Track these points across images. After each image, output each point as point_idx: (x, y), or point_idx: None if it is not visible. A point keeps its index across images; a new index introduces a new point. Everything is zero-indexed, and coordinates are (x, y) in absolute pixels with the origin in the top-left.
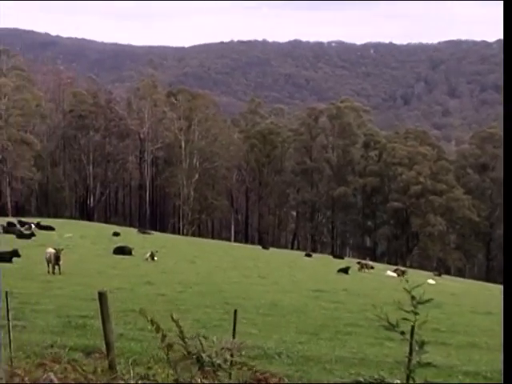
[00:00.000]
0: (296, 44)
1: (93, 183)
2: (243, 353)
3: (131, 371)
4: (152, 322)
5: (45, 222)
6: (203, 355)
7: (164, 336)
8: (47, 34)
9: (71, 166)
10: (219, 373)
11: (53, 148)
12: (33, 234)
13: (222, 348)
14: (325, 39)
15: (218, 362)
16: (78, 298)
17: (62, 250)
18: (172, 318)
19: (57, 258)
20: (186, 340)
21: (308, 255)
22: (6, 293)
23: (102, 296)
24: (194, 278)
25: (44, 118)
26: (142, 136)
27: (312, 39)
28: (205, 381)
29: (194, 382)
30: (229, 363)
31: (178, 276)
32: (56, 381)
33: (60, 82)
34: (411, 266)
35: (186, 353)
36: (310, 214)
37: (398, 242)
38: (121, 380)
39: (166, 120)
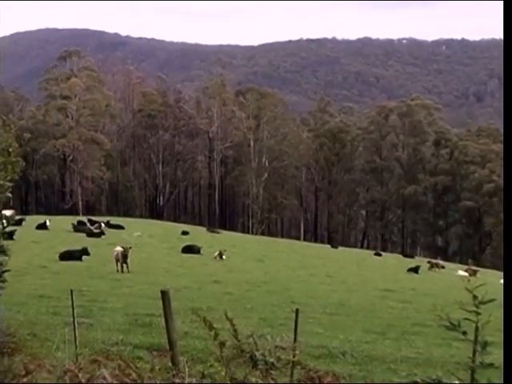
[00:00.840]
0: (366, 41)
1: (162, 182)
2: (298, 351)
3: (191, 369)
4: (205, 320)
5: (114, 220)
6: (256, 354)
7: (216, 334)
8: (117, 35)
9: (141, 165)
10: (272, 371)
11: (122, 147)
12: (102, 233)
13: (276, 346)
14: (395, 36)
15: (272, 360)
16: (145, 296)
17: (130, 248)
18: (226, 316)
19: (124, 257)
20: (240, 338)
21: (377, 254)
22: (71, 291)
23: (164, 294)
24: (261, 276)
25: (114, 117)
26: (210, 135)
27: (382, 36)
28: (258, 379)
29: (247, 380)
30: (283, 362)
31: (245, 275)
32: (109, 378)
33: (130, 82)
34: (484, 266)
35: (239, 351)
36: (380, 212)
37: (471, 241)
38: (180, 378)
39: (234, 119)
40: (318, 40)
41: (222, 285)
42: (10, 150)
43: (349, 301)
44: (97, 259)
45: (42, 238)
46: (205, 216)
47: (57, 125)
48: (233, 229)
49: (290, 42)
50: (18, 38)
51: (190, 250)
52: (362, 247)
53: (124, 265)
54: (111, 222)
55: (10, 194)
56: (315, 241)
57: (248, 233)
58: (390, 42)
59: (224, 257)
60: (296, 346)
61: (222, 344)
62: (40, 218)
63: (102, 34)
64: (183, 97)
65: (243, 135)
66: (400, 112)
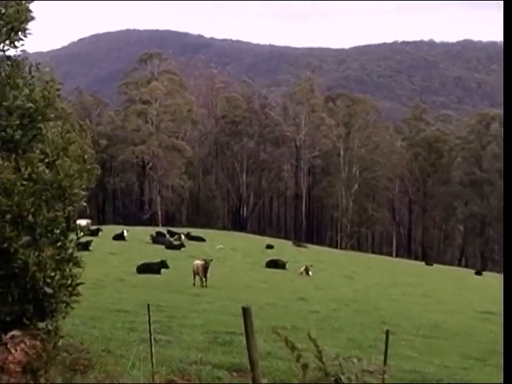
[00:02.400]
0: (466, 44)
1: (246, 192)
2: (387, 376)
3: None
4: (286, 340)
5: (195, 232)
6: (342, 377)
7: (299, 355)
8: (201, 36)
9: (223, 174)
10: None
11: (204, 155)
12: (182, 245)
13: (364, 370)
14: (498, 38)
15: None
16: (226, 312)
17: (211, 260)
18: (309, 336)
19: (205, 270)
20: (325, 360)
21: (478, 273)
22: (148, 306)
23: (246, 311)
24: (350, 294)
25: (196, 123)
26: (298, 143)
27: (485, 39)
28: None
29: None
30: None
31: (333, 292)
32: None
33: (213, 87)
34: None
35: (323, 374)
36: (480, 228)
37: None
38: None
39: (323, 126)
40: (414, 42)
41: (308, 302)
42: (86, 156)
43: (445, 323)
44: (176, 273)
45: (120, 249)
46: (290, 229)
47: (136, 130)
48: (320, 243)
49: (383, 44)
50: (97, 40)
51: (274, 264)
52: (459, 265)
53: (203, 278)
54: (192, 234)
55: (85, 203)
56: (408, 257)
57: (336, 247)
58: (493, 44)
59: (310, 273)
60: (385, 370)
61: (305, 366)
62: (117, 228)
63: (184, 35)
64: (269, 102)
65: (332, 143)
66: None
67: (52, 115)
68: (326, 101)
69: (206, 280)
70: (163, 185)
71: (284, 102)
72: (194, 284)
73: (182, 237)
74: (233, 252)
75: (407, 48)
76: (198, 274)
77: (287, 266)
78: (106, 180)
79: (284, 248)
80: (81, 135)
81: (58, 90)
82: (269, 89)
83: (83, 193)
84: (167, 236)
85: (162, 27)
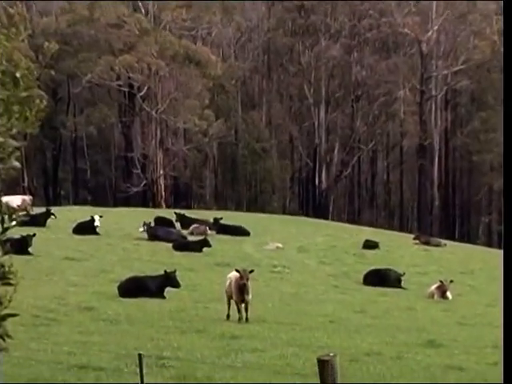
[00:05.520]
0: None
1: (325, 143)
2: None
3: None
4: None
5: (229, 218)
6: None
7: None
8: None
9: (283, 109)
10: None
11: (247, 72)
12: (206, 243)
13: None
14: None
15: None
16: (289, 371)
17: (251, 272)
18: None
19: (241, 289)
20: None
21: None
22: (140, 356)
23: (325, 366)
24: None
25: (229, 12)
26: (424, 48)
27: None
28: None
29: None
30: None
31: (493, 331)
32: None
33: None
34: None
35: None
36: None
37: None
38: None
39: (473, 16)
40: None
41: (443, 350)
42: (18, 74)
43: None
44: (193, 295)
45: (86, 251)
46: (410, 212)
47: (117, 26)
48: (467, 238)
49: None
50: None
51: (380, 278)
52: None
53: (242, 305)
54: (223, 222)
55: (17, 163)
56: None
57: (499, 247)
58: None
59: (449, 294)
60: None
61: None
62: (82, 212)
63: None
64: None
65: (491, 49)
66: None
67: None
68: None
69: (246, 308)
70: (169, 129)
71: None
72: (229, 316)
73: (206, 229)
74: (301, 255)
75: None
76: (231, 297)
77: (404, 282)
78: (60, 120)
79: (398, 247)
80: (7, 34)
81: None
82: None
83: (14, 143)
84: (176, 226)
85: None
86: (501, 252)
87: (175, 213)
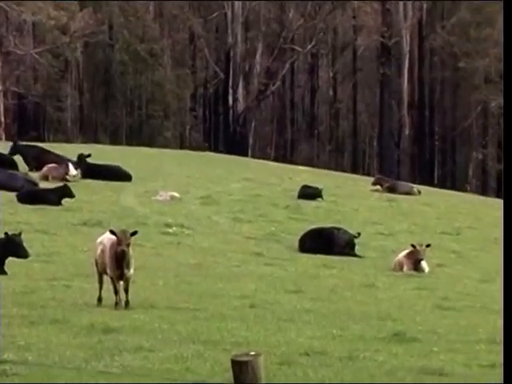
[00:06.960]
0: None
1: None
2: None
3: None
4: None
5: (102, 154)
6: None
7: None
8: None
9: None
10: None
11: None
12: (66, 192)
13: None
14: None
15: None
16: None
17: (135, 234)
18: None
19: (118, 260)
20: None
21: None
22: None
23: (236, 367)
24: None
25: None
26: None
27: None
28: None
29: None
30: None
31: (482, 323)
32: None
33: None
34: None
35: None
36: None
37: None
38: None
39: None
40: None
41: (416, 347)
42: None
43: None
44: (48, 268)
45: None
46: (365, 145)
47: None
48: (452, 183)
49: None
50: None
51: (322, 242)
52: None
53: (120, 283)
54: (93, 162)
55: None
56: None
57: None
58: None
59: (425, 264)
60: None
61: None
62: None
63: None
64: None
65: None
66: None
67: None
68: None
69: (126, 288)
70: (10, 23)
71: None
72: (101, 299)
73: (68, 170)
74: (207, 210)
75: None
76: (103, 272)
77: (358, 247)
78: None
79: (349, 196)
80: None
81: None
82: None
83: None
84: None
85: None
86: (499, 202)
87: (19, 145)
